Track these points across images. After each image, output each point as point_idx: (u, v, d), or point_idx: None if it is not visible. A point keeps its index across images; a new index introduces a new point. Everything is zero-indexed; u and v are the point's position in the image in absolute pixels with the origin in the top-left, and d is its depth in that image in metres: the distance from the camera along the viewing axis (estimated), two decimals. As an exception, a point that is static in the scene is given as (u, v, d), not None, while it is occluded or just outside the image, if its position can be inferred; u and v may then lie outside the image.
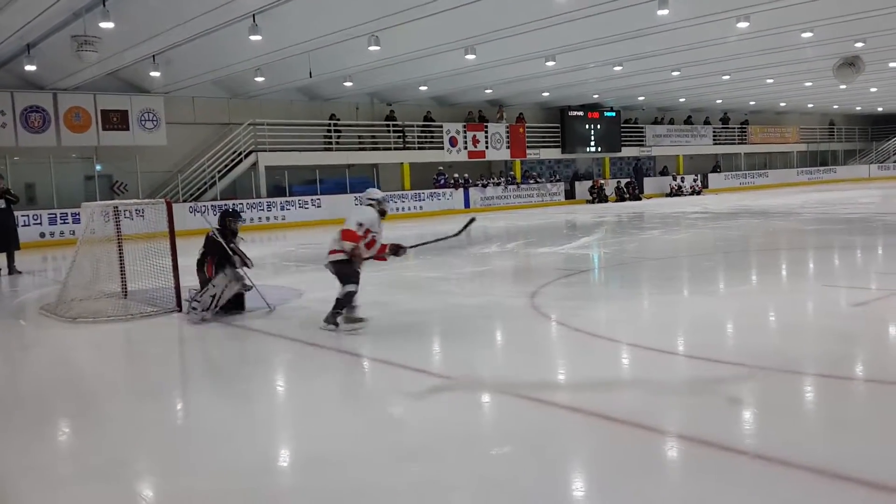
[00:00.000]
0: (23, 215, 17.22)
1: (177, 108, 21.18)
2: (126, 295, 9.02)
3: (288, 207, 22.09)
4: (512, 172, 28.22)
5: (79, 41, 13.98)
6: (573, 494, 3.41)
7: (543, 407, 4.53)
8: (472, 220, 7.50)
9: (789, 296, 8.12)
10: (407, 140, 25.55)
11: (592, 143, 30.08)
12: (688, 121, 34.64)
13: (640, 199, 29.51)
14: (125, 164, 20.39)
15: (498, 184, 27.02)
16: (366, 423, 4.43)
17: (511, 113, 28.68)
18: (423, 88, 23.38)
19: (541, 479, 3.49)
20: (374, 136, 25.42)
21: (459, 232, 7.36)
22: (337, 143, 24.14)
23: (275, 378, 5.74)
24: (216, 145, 21.60)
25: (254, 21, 13.32)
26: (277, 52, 15.96)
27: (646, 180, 31.57)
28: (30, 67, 15.98)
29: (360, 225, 6.60)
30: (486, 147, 27.25)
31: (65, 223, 18.35)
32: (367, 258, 6.78)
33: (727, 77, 23.80)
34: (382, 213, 6.86)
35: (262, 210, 21.53)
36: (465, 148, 26.66)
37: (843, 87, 24.73)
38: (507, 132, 27.86)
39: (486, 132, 27.29)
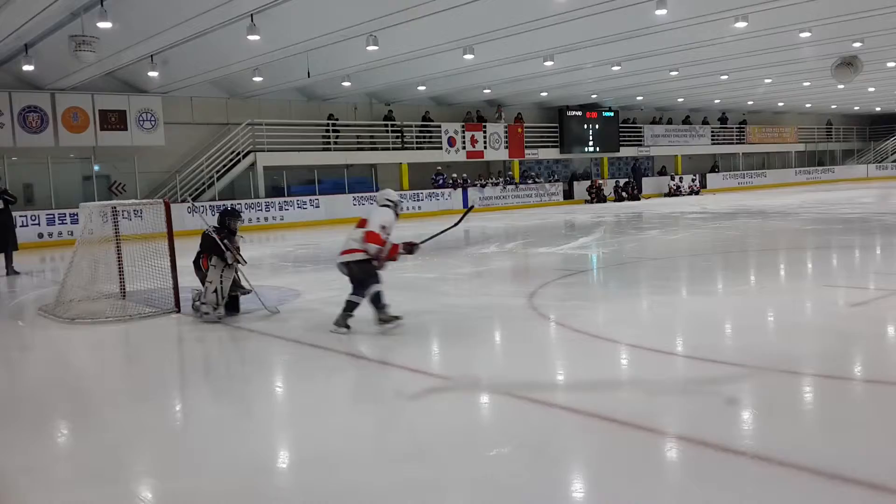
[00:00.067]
0: (21, 216, 17.18)
1: (175, 109, 21.14)
2: (124, 296, 9.02)
3: (286, 207, 22.07)
4: (510, 172, 28.22)
5: (77, 41, 13.95)
6: (572, 495, 3.42)
7: (542, 407, 4.53)
8: (471, 207, 8.00)
9: (788, 296, 8.12)
10: (405, 140, 25.52)
11: (591, 143, 30.07)
12: (686, 121, 34.64)
13: (638, 199, 29.51)
14: (123, 165, 20.35)
15: (496, 184, 27.02)
16: (365, 424, 4.44)
17: (509, 113, 28.68)
18: (421, 88, 23.36)
19: (539, 480, 3.49)
20: (372, 136, 25.39)
21: (459, 221, 7.58)
22: (335, 143, 24.11)
23: (273, 379, 5.74)
24: (214, 145, 21.56)
25: (252, 21, 13.30)
26: (276, 51, 15.94)
27: (644, 180, 31.54)
28: (28, 67, 15.98)
29: (384, 228, 6.62)
30: (485, 147, 27.24)
31: (63, 224, 18.33)
32: (387, 259, 6.74)
33: (725, 77, 23.82)
34: (396, 215, 6.90)
35: (261, 210, 21.49)
36: (464, 148, 26.65)
37: (841, 86, 24.74)
38: (506, 132, 27.86)
39: (485, 132, 27.28)
